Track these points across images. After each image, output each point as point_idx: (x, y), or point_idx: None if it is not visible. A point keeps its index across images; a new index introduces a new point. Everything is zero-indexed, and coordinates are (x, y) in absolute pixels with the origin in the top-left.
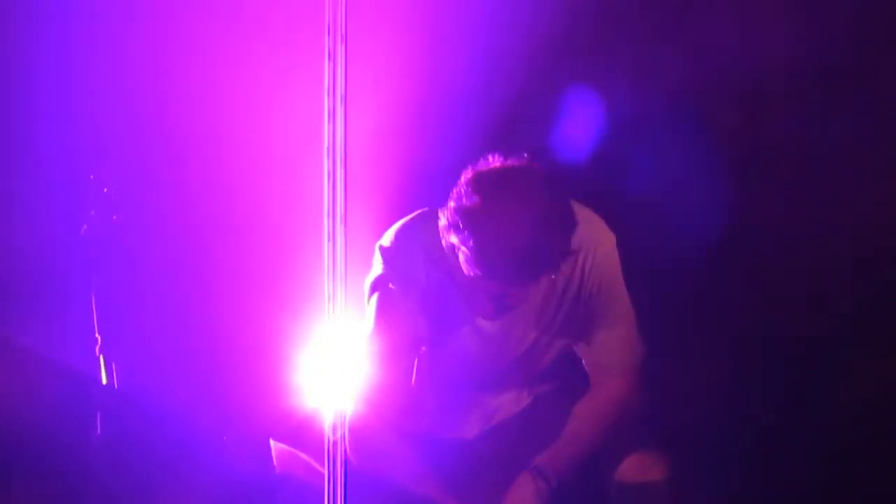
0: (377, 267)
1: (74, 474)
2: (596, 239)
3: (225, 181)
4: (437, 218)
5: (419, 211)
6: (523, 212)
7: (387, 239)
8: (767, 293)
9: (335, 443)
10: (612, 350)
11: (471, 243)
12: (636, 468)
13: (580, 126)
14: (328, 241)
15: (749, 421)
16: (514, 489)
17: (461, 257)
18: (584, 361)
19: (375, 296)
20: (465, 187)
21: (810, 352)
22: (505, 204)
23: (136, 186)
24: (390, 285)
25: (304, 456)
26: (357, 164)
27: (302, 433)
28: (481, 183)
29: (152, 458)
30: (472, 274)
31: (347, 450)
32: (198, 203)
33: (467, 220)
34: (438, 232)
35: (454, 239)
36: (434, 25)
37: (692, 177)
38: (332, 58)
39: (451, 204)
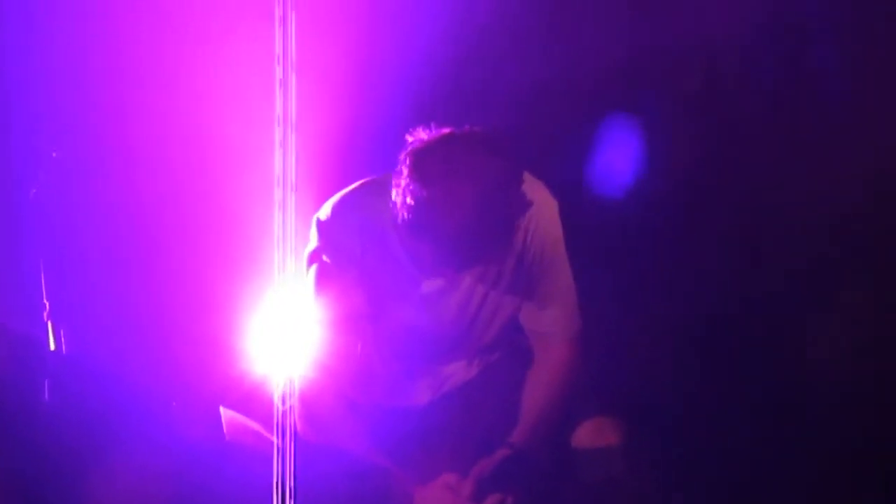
0: (313, 240)
1: (22, 440)
2: (539, 204)
3: (175, 148)
4: (377, 188)
5: (359, 182)
6: (471, 194)
7: (323, 212)
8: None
9: (284, 412)
10: (554, 319)
11: (422, 235)
12: (591, 434)
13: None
14: (278, 209)
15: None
16: (493, 467)
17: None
18: (525, 329)
19: (312, 268)
20: (408, 170)
21: (753, 314)
22: (452, 186)
23: (85, 151)
24: (324, 258)
25: (253, 424)
26: (308, 133)
27: (251, 401)
28: (425, 166)
29: (100, 425)
30: (424, 257)
31: (296, 419)
32: (147, 170)
33: (416, 210)
34: (378, 202)
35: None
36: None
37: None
38: (284, 25)
39: (399, 195)
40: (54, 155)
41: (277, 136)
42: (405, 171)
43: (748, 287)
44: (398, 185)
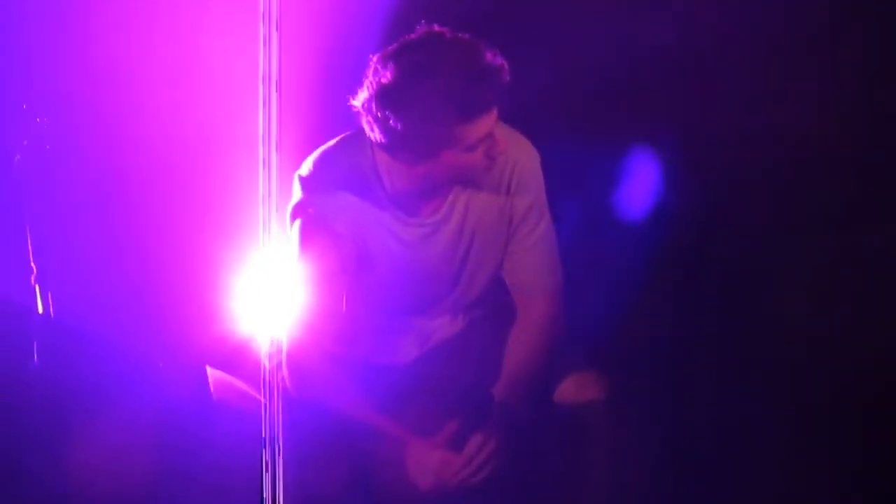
0: (297, 194)
1: (11, 404)
2: (522, 152)
3: (159, 108)
4: (356, 140)
5: (337, 137)
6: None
7: (305, 168)
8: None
9: (271, 370)
10: (536, 271)
11: (399, 126)
12: (574, 388)
13: None
14: (263, 166)
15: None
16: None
17: (386, 149)
18: (507, 282)
19: (298, 222)
20: (379, 68)
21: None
22: (422, 72)
23: (70, 115)
24: (310, 210)
25: (240, 383)
26: (291, 92)
27: (238, 360)
28: (396, 59)
29: (88, 387)
30: (403, 160)
31: (283, 377)
32: (132, 131)
33: (388, 103)
34: (358, 153)
35: (376, 134)
36: None
37: None
38: None
39: (365, 93)
40: (38, 120)
41: (262, 95)
42: (372, 64)
43: (729, 240)
44: (368, 82)
